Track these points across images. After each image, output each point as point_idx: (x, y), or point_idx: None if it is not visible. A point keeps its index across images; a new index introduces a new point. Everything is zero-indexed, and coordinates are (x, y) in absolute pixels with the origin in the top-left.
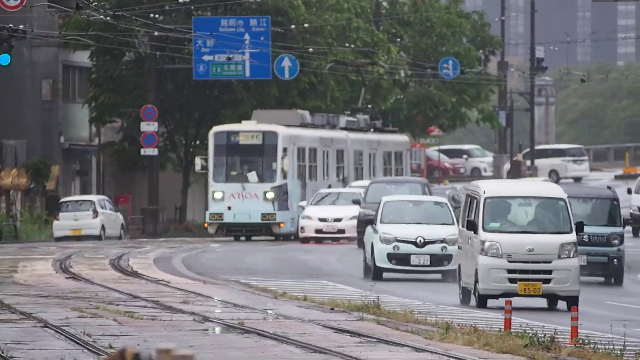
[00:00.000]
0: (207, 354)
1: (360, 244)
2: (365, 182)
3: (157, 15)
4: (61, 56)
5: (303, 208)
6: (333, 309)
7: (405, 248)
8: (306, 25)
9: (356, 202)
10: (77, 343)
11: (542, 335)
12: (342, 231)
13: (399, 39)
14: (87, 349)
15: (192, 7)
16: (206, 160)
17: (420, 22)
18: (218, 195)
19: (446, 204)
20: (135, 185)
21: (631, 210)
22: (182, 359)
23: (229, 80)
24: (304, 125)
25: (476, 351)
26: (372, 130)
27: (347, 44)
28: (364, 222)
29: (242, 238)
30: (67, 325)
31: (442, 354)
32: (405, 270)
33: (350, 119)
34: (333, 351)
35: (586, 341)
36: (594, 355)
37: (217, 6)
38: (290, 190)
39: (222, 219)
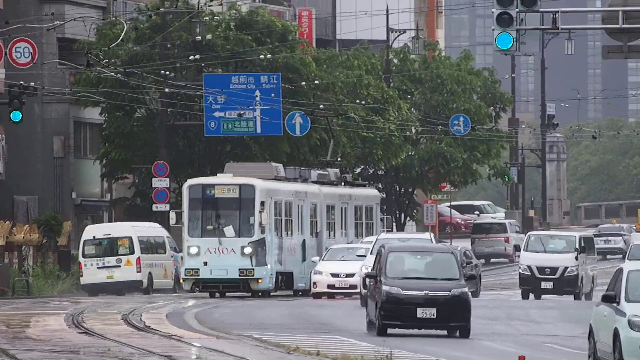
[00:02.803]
0: None
1: (364, 302)
2: (372, 238)
3: (168, 72)
4: (72, 113)
5: (315, 263)
6: None
7: None
8: (317, 82)
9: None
10: None
11: None
12: (354, 287)
13: (409, 96)
14: None
15: (203, 64)
16: (181, 214)
17: (430, 79)
18: (193, 250)
19: None
20: None
21: None
22: None
23: (241, 136)
24: (277, 178)
25: None
26: (342, 184)
27: (357, 101)
28: (394, 305)
29: (217, 295)
30: None
31: None
32: None
33: (321, 172)
34: None
35: None
36: None
37: (227, 63)
38: (268, 245)
39: (198, 275)
